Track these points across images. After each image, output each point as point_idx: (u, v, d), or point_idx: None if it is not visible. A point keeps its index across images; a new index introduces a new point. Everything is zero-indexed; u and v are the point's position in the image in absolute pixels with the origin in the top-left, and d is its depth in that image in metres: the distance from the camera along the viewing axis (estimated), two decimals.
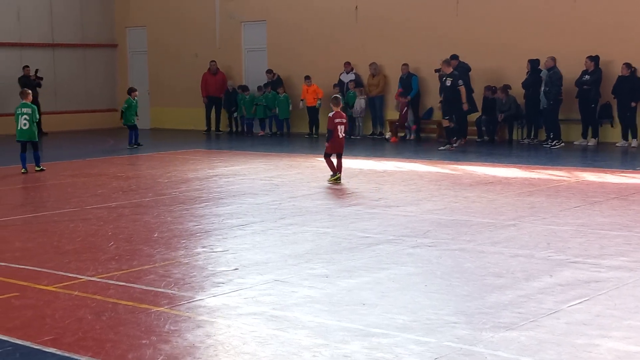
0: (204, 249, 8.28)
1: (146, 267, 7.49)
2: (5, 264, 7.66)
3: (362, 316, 5.87)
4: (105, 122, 25.56)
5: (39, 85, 22.91)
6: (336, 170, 12.74)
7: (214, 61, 23.36)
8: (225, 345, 5.35)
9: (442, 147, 17.64)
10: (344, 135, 12.88)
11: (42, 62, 23.95)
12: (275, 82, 22.33)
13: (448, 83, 17.64)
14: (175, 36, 24.72)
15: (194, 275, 7.22)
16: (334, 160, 12.81)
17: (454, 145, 17.65)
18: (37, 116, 14.97)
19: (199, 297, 6.46)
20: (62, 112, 24.59)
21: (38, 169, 14.75)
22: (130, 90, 19.95)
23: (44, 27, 24.47)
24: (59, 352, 5.18)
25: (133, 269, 7.39)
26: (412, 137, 20.16)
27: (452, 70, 17.72)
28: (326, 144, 12.87)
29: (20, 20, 23.88)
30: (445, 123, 17.86)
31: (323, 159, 13.10)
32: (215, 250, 8.21)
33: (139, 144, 19.27)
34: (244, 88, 22.90)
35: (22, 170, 14.55)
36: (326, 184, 12.67)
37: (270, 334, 5.52)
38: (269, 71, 22.55)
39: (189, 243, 8.61)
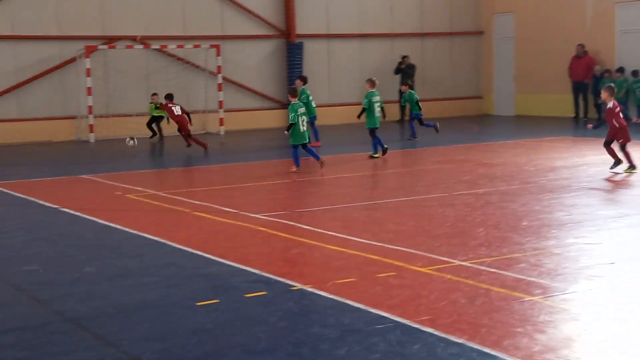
0: (576, 240, 7.99)
1: (516, 255, 7.42)
2: (382, 244, 8.08)
3: None
4: (470, 110, 25.89)
5: (409, 74, 23.92)
6: (619, 160, 12.44)
7: (581, 44, 22.49)
8: (605, 342, 5.11)
9: None
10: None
11: (412, 51, 24.86)
12: None
13: None
14: (543, 21, 24.17)
15: (566, 266, 7.00)
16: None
17: None
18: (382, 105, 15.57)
19: (572, 290, 6.25)
20: (430, 99, 25.32)
21: (375, 155, 15.26)
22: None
23: (415, 18, 25.40)
24: (436, 333, 5.34)
25: (503, 256, 7.38)
26: None
27: None
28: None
29: (393, 12, 25.03)
30: None
31: None
32: (588, 242, 7.89)
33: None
34: (617, 70, 21.64)
35: (376, 155, 15.25)
36: None
37: None
38: None
39: (560, 233, 8.37)
